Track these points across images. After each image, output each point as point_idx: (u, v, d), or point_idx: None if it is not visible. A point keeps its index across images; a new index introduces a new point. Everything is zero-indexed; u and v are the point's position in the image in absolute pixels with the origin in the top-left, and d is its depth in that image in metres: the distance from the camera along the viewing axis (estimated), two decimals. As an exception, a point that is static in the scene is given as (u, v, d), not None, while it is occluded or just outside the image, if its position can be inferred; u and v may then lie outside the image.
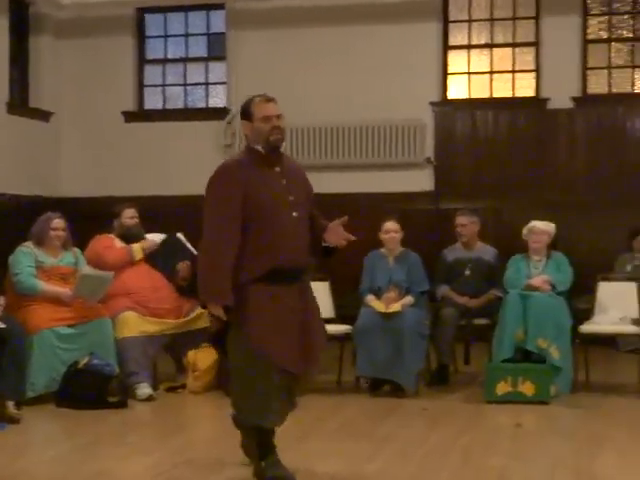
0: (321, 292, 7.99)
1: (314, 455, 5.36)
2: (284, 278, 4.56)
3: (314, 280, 8.29)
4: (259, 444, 4.70)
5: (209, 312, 4.81)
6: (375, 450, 5.45)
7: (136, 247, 7.78)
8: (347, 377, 7.60)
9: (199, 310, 7.80)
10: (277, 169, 4.66)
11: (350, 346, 7.54)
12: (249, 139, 4.73)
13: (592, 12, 11.22)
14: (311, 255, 4.80)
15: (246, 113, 4.69)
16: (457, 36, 11.54)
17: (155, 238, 7.94)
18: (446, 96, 11.47)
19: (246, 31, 11.53)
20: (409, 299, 7.43)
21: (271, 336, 4.52)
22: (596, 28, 11.23)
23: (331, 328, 7.76)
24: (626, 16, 11.27)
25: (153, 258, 7.81)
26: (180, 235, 8.01)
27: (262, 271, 4.52)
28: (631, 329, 7.57)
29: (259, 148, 4.65)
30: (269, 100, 4.68)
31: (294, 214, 4.61)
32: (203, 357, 7.54)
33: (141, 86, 12.11)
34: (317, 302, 4.89)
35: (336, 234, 4.74)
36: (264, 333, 4.52)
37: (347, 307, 7.81)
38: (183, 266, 7.81)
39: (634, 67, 11.19)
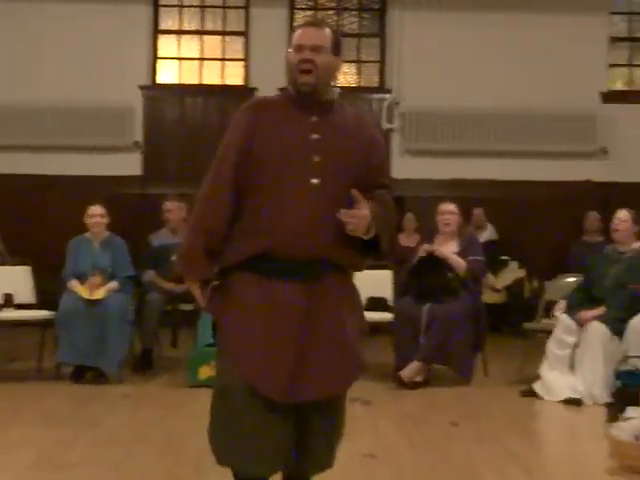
0: (22, 277, 7.83)
1: (14, 444, 5.20)
2: (282, 270, 3.23)
3: (14, 264, 8.12)
4: None
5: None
6: (77, 437, 5.36)
7: None
8: (49, 364, 7.42)
9: None
10: (313, 119, 3.32)
11: (52, 333, 7.37)
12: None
13: (299, 6, 11.59)
14: (352, 250, 3.32)
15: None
16: (168, 21, 11.54)
17: None
18: (155, 80, 11.44)
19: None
20: (114, 284, 7.36)
21: (251, 347, 3.24)
22: (301, 22, 11.59)
23: (32, 314, 7.59)
24: (331, 12, 11.72)
25: None
26: None
27: (250, 252, 3.23)
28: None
29: (290, 88, 3.38)
30: (310, 24, 3.39)
31: (313, 180, 3.24)
32: None
33: None
34: (351, 314, 3.36)
35: (352, 215, 3.23)
36: (242, 342, 3.26)
37: (49, 293, 7.63)
38: None
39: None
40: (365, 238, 3.26)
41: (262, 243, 3.22)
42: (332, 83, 3.39)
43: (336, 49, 3.35)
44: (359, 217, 3.21)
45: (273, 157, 3.25)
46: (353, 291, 3.44)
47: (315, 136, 3.30)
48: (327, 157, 3.28)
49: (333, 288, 3.29)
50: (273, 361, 3.19)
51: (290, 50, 3.34)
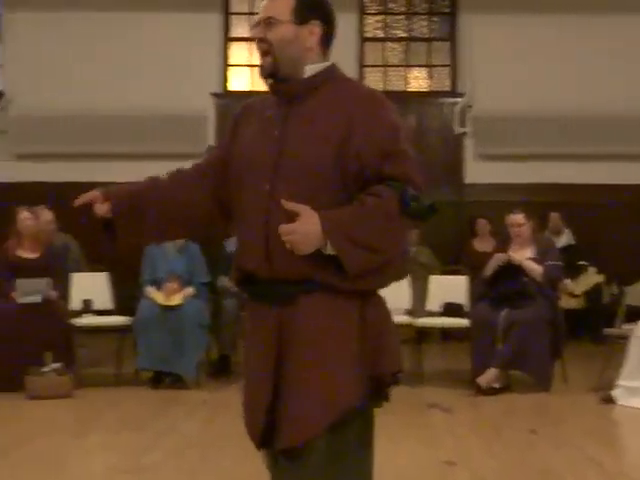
0: (100, 283, 7.92)
1: (92, 449, 5.27)
2: (257, 292, 2.69)
3: (91, 271, 8.22)
4: None
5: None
6: (154, 442, 5.40)
7: None
8: (127, 370, 7.50)
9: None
10: (276, 111, 2.69)
11: (130, 338, 7.44)
12: None
13: (368, 11, 11.58)
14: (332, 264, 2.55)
15: None
16: (238, 28, 11.62)
17: None
18: (227, 88, 11.52)
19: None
20: (190, 290, 7.41)
21: (245, 381, 2.78)
22: (372, 27, 11.60)
23: (110, 320, 7.68)
24: (401, 16, 11.68)
25: None
26: None
27: (235, 275, 2.77)
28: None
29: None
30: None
31: (266, 187, 2.61)
32: None
33: None
34: (338, 341, 2.59)
35: (290, 231, 2.53)
36: (244, 375, 2.81)
37: (127, 299, 7.71)
38: None
39: (408, 66, 11.63)
40: (326, 253, 2.53)
41: (237, 263, 2.73)
42: (305, 59, 2.65)
43: (300, 15, 2.63)
44: (297, 233, 2.51)
45: (239, 164, 2.72)
46: (346, 313, 2.61)
47: (276, 132, 2.65)
48: (288, 154, 2.61)
49: (312, 312, 2.59)
50: (251, 399, 2.71)
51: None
